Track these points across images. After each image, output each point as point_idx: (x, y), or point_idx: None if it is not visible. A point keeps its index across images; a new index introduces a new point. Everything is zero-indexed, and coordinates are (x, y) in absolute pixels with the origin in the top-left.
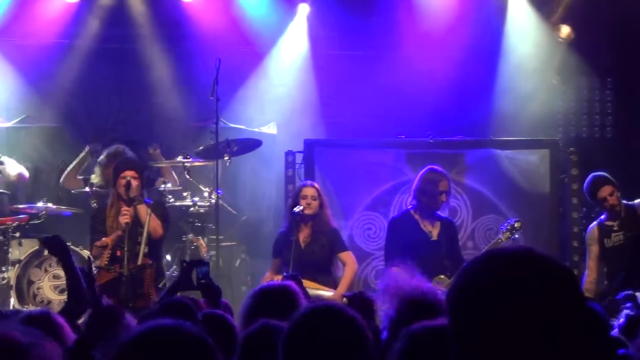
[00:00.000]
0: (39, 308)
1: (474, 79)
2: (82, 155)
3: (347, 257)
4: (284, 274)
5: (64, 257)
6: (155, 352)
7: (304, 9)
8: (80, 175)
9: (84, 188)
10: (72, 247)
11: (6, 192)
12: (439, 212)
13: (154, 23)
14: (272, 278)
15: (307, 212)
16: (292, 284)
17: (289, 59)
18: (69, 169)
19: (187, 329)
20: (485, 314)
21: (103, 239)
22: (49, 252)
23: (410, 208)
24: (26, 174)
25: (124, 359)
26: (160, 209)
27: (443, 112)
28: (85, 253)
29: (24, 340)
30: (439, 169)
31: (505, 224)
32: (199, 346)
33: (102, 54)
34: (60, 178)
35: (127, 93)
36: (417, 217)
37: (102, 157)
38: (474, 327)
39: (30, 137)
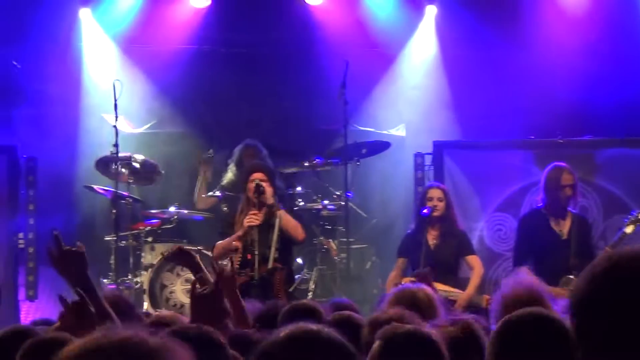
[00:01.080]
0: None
1: (606, 76)
2: (200, 177)
3: (475, 261)
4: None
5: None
6: (301, 356)
7: (431, 11)
8: (212, 191)
9: (220, 205)
10: (203, 251)
11: (138, 198)
12: (571, 208)
13: (281, 27)
14: (397, 278)
15: (434, 214)
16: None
17: (417, 60)
18: (196, 191)
19: (329, 334)
20: (611, 316)
21: (233, 242)
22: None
23: (540, 206)
24: (157, 177)
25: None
26: (293, 214)
27: (573, 110)
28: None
29: (153, 342)
30: (562, 164)
31: (629, 216)
32: (340, 351)
33: (231, 59)
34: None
35: (256, 98)
36: (547, 215)
37: (235, 155)
38: (601, 329)
39: (159, 142)
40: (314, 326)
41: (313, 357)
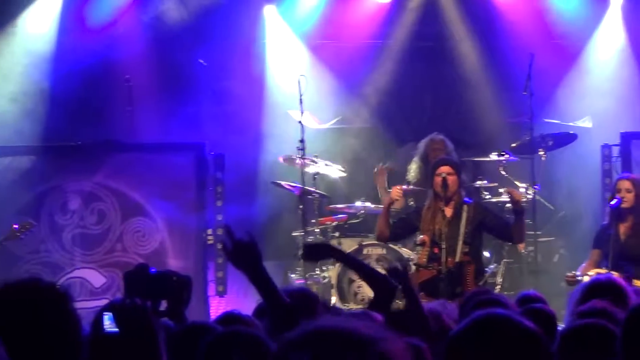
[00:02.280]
0: (360, 307)
1: None
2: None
3: None
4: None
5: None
6: (490, 340)
7: (617, 1)
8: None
9: (406, 199)
10: (390, 245)
11: (324, 193)
12: None
13: (465, 20)
14: (589, 268)
15: (623, 205)
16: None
17: (604, 51)
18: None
19: (519, 320)
20: None
21: (420, 236)
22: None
23: None
24: (344, 172)
25: (461, 345)
26: (481, 207)
27: None
28: (405, 252)
29: (365, 333)
30: None
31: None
32: (531, 338)
33: (416, 53)
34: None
35: (441, 91)
36: None
37: (420, 149)
38: None
39: (345, 138)
40: (503, 311)
41: (503, 342)
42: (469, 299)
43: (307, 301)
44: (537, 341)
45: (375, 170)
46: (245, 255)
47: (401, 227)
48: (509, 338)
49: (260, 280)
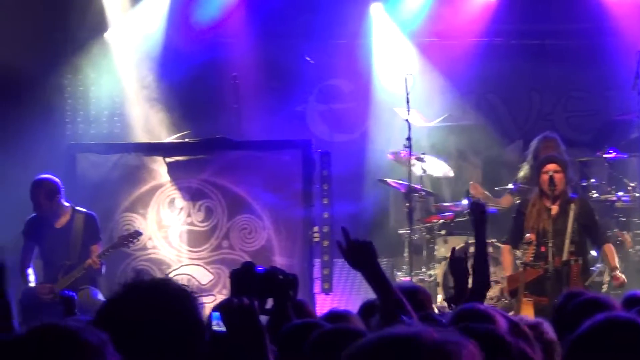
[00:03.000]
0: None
1: None
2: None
3: None
4: None
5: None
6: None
7: None
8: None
9: (514, 198)
10: (497, 243)
11: (431, 191)
12: None
13: (573, 18)
14: None
15: None
16: None
17: None
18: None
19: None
20: None
21: (527, 235)
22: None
23: None
24: (450, 170)
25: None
26: (587, 205)
27: None
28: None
29: (443, 339)
30: None
31: None
32: None
33: (523, 51)
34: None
35: (548, 89)
36: None
37: (532, 147)
38: None
39: (452, 135)
40: (625, 315)
41: (627, 346)
42: (566, 301)
43: (419, 297)
44: None
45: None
46: (361, 254)
47: (518, 235)
48: (634, 342)
49: (376, 279)
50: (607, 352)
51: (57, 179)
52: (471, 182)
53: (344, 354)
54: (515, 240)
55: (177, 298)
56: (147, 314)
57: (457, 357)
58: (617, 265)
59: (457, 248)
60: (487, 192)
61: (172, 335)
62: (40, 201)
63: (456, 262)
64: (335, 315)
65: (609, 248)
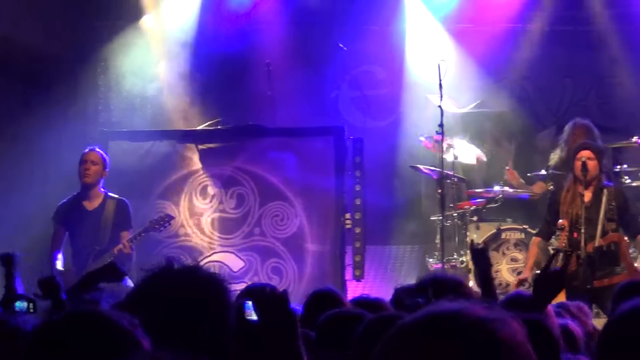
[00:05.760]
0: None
1: None
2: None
3: None
4: None
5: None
6: None
7: None
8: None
9: (546, 184)
10: (528, 229)
11: (463, 177)
12: None
13: (605, 4)
14: None
15: None
16: None
17: None
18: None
19: None
20: None
21: (560, 220)
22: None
23: None
24: (483, 156)
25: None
26: (621, 194)
27: None
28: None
29: (487, 315)
30: None
31: None
32: None
33: (556, 37)
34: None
35: (581, 75)
36: None
37: (565, 134)
38: None
39: (484, 122)
40: None
41: None
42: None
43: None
44: None
45: (505, 174)
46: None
47: (551, 226)
48: None
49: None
50: (634, 341)
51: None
52: (507, 167)
53: (387, 334)
54: (548, 233)
55: (206, 284)
56: (176, 300)
57: (499, 333)
58: None
59: (474, 241)
60: (521, 180)
61: (200, 321)
62: (88, 168)
63: (476, 253)
64: (366, 302)
65: None
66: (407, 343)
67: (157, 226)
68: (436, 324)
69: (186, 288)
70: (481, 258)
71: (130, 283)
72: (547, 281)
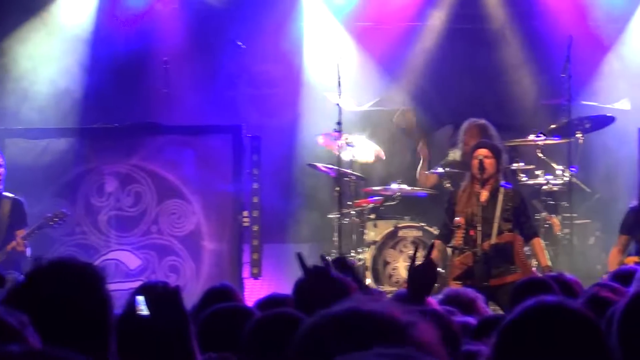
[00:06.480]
0: (394, 289)
1: None
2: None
3: None
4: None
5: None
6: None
7: None
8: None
9: (442, 182)
10: (426, 227)
11: (361, 175)
12: None
13: (503, 2)
14: (618, 255)
15: None
16: None
17: None
18: (418, 169)
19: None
20: None
21: (456, 218)
22: None
23: None
24: (382, 153)
25: (513, 334)
26: (518, 195)
27: None
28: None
29: (404, 318)
30: None
31: None
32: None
33: (454, 35)
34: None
35: (479, 73)
36: None
37: (462, 132)
38: None
39: (382, 120)
40: (557, 299)
41: (558, 329)
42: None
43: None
44: (595, 329)
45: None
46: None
47: (450, 229)
48: (566, 326)
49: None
50: (534, 339)
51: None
52: (426, 172)
53: (295, 336)
54: (447, 235)
55: (82, 275)
56: (52, 293)
57: (412, 334)
58: (549, 264)
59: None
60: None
61: (79, 313)
62: None
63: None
64: (274, 301)
65: (538, 243)
66: (316, 346)
67: (51, 223)
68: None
69: (61, 280)
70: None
71: None
72: (417, 274)
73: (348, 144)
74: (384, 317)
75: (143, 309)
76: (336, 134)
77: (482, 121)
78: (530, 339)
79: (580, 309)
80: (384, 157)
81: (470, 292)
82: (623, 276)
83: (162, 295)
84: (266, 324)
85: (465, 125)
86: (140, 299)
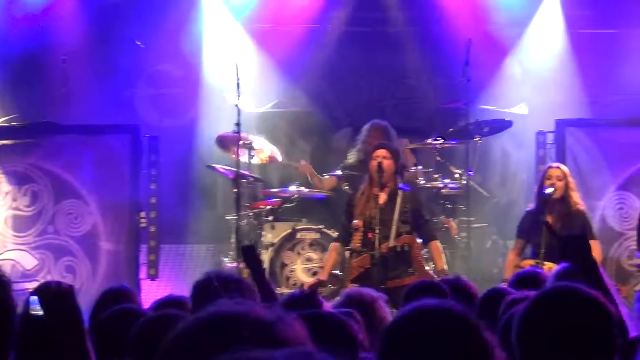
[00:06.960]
0: (291, 291)
1: None
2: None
3: (595, 245)
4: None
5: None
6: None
7: None
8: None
9: (340, 184)
10: (324, 230)
11: (259, 177)
12: None
13: (403, 6)
14: (515, 259)
15: (552, 194)
16: None
17: (541, 38)
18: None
19: (455, 309)
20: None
21: (354, 221)
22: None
23: None
24: (279, 155)
25: (393, 340)
26: (416, 197)
27: None
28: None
29: (268, 316)
30: None
31: None
32: (466, 326)
33: (353, 38)
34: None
35: (378, 76)
36: None
37: (362, 134)
38: None
39: (281, 122)
40: (438, 302)
41: (437, 330)
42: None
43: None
44: (473, 329)
45: (298, 166)
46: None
47: (349, 231)
48: (443, 328)
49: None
50: (414, 343)
51: None
52: (301, 161)
53: (167, 338)
54: (346, 237)
55: None
56: None
57: (279, 333)
58: (446, 267)
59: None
60: (316, 175)
61: None
62: None
63: (246, 252)
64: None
65: (436, 246)
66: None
67: None
68: (217, 324)
69: None
70: (252, 257)
71: None
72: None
73: (246, 145)
74: (248, 317)
75: (37, 309)
76: (234, 134)
77: (384, 123)
78: (409, 342)
79: (458, 310)
80: (280, 159)
81: (372, 292)
82: (524, 280)
83: (55, 295)
84: (148, 326)
85: (367, 125)
86: (34, 299)
